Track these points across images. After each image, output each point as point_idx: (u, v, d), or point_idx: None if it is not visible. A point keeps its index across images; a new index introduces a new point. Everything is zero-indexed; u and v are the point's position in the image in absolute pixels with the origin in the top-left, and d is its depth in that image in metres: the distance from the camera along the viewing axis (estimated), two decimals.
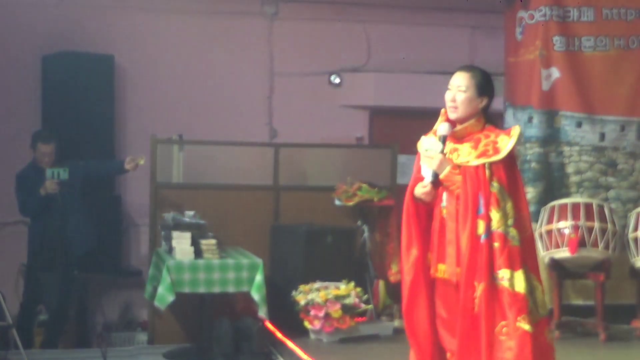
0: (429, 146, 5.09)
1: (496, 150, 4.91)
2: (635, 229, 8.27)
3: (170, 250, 8.22)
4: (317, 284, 8.37)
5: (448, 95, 5.06)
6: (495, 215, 4.82)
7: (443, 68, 10.63)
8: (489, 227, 4.82)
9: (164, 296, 7.87)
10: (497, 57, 9.66)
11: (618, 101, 9.02)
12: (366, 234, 8.99)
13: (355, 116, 10.86)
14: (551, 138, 8.95)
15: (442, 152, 4.99)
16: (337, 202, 9.04)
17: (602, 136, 8.96)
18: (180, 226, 8.29)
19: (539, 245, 8.44)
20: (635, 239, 8.24)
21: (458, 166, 4.95)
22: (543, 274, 8.42)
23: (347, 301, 8.26)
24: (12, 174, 8.66)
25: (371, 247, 9.01)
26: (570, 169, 8.95)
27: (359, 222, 9.06)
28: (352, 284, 8.45)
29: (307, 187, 9.52)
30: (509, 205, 4.86)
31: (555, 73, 8.98)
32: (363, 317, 8.45)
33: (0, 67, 9.71)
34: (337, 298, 8.23)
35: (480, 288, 4.81)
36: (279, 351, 8.11)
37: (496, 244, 4.81)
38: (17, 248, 9.00)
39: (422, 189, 5.02)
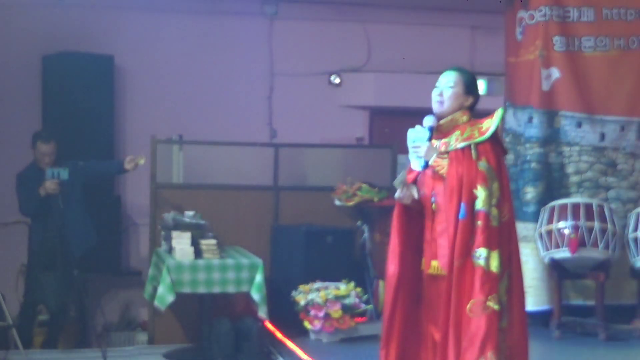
0: (415, 137, 5.16)
1: (482, 133, 5.01)
2: (635, 229, 8.27)
3: (170, 250, 8.22)
4: (317, 284, 8.37)
5: (435, 92, 5.20)
6: (481, 193, 4.87)
7: (443, 68, 10.53)
8: (471, 206, 4.87)
9: (164, 296, 7.86)
10: (497, 57, 9.66)
11: (618, 101, 9.01)
12: (366, 234, 9.00)
13: (355, 116, 10.87)
14: (551, 138, 8.95)
15: (428, 139, 5.08)
16: (337, 202, 9.04)
17: (602, 136, 8.96)
18: (180, 226, 8.29)
19: (538, 245, 8.45)
20: (635, 239, 8.25)
21: (446, 152, 5.04)
22: (543, 273, 8.52)
23: (347, 301, 8.26)
24: (12, 174, 8.65)
25: (371, 247, 9.01)
26: (570, 169, 8.94)
27: (359, 222, 9.06)
28: (352, 284, 8.46)
29: (307, 187, 9.51)
30: (495, 185, 4.91)
31: (555, 73, 8.98)
32: (363, 317, 8.45)
33: (1, 68, 9.72)
34: (337, 298, 8.23)
35: (455, 265, 4.86)
36: (279, 351, 8.11)
37: (479, 222, 4.86)
38: (17, 248, 9.01)
39: (398, 194, 5.12)
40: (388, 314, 5.24)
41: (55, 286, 8.46)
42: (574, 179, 8.93)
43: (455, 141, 5.04)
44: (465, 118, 5.13)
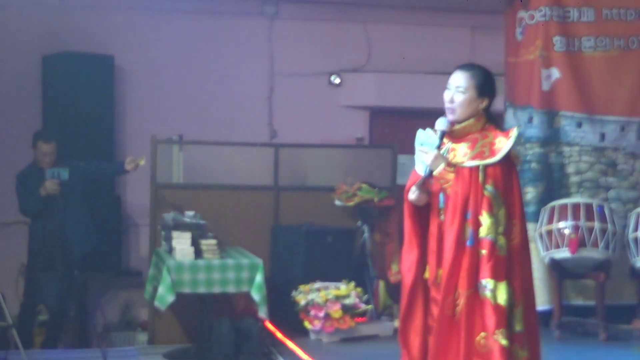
0: (425, 140, 4.91)
1: (492, 153, 4.72)
2: (636, 229, 8.28)
3: (170, 250, 8.22)
4: (317, 284, 8.38)
5: (447, 95, 4.88)
6: (486, 221, 4.64)
7: (443, 68, 10.57)
8: (477, 233, 4.65)
9: (164, 296, 7.86)
10: (497, 57, 9.65)
11: (618, 101, 9.02)
12: (366, 234, 9.00)
13: (356, 116, 10.87)
14: (551, 138, 8.95)
15: (438, 147, 4.82)
16: (337, 203, 9.04)
17: (602, 136, 8.97)
18: (181, 226, 8.29)
19: (538, 245, 8.45)
20: (636, 239, 8.25)
21: (453, 165, 4.79)
22: (543, 273, 8.52)
23: (347, 301, 8.26)
24: (12, 174, 8.65)
25: (371, 247, 9.02)
26: (570, 169, 8.95)
27: (359, 223, 9.06)
28: (352, 284, 8.46)
29: (307, 188, 9.51)
30: (501, 212, 4.67)
31: (556, 73, 8.98)
32: (363, 317, 8.45)
33: (1, 68, 9.72)
34: (337, 298, 8.23)
35: (464, 295, 4.66)
36: (279, 351, 8.11)
37: (483, 252, 4.64)
38: (18, 248, 9.01)
39: (412, 195, 4.88)
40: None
41: (55, 286, 8.46)
42: (574, 179, 8.94)
43: (464, 156, 4.78)
44: (479, 125, 4.82)
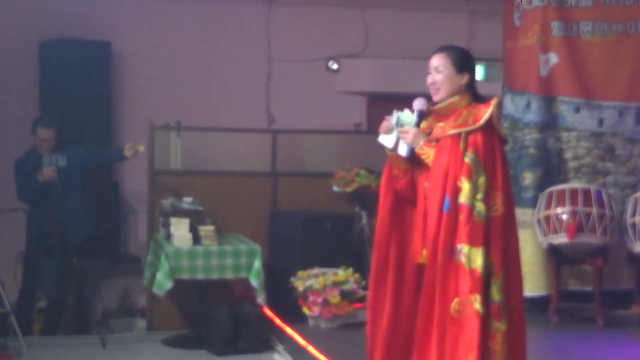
0: (404, 120, 4.95)
1: (475, 121, 4.75)
2: (633, 215, 8.27)
3: (168, 236, 8.23)
4: (315, 270, 8.38)
5: (428, 79, 4.95)
6: (465, 186, 4.63)
7: None
8: (456, 199, 4.64)
9: (163, 283, 7.88)
10: (495, 42, 9.64)
11: (616, 86, 9.00)
12: (364, 220, 8.99)
13: (353, 102, 10.86)
14: (549, 124, 8.94)
15: (416, 125, 4.89)
16: (335, 188, 9.04)
17: (600, 122, 8.96)
18: (179, 213, 8.30)
19: (536, 231, 8.45)
20: (633, 225, 8.25)
21: (435, 139, 4.82)
22: (541, 259, 8.52)
23: (346, 287, 8.27)
24: (10, 161, 8.64)
25: (369, 233, 9.00)
26: (568, 154, 8.94)
27: (357, 208, 9.06)
28: (351, 270, 8.47)
29: (305, 173, 9.52)
30: (481, 179, 4.66)
31: (554, 58, 8.96)
32: (361, 303, 8.45)
33: None
34: (336, 284, 8.24)
35: (440, 261, 4.63)
36: (278, 337, 8.13)
37: (460, 217, 4.62)
38: (16, 235, 9.00)
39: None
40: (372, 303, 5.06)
41: (53, 273, 8.46)
42: (572, 164, 8.93)
43: (448, 128, 4.80)
44: (464, 102, 4.86)
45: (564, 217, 8.22)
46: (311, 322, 8.30)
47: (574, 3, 8.99)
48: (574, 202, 8.24)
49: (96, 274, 9.68)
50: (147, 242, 8.98)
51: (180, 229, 8.15)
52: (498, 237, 4.69)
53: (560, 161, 8.95)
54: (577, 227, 8.14)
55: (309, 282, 8.26)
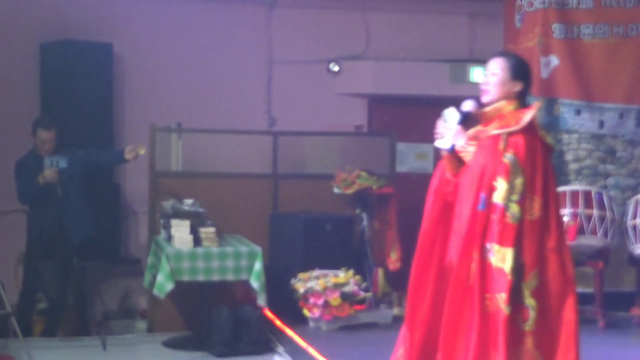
0: (449, 118, 5.03)
1: (517, 123, 4.81)
2: (634, 217, 8.27)
3: (169, 238, 8.23)
4: (316, 272, 8.38)
5: (482, 81, 5.02)
6: (501, 186, 4.68)
7: (442, 56, 10.65)
8: (491, 198, 4.69)
9: (163, 284, 7.88)
10: (496, 44, 9.62)
11: (617, 89, 9.01)
12: (365, 222, 8.99)
13: (354, 104, 10.85)
14: (550, 126, 8.94)
15: (459, 123, 4.96)
16: (336, 190, 9.03)
17: (601, 124, 8.96)
18: (179, 214, 8.30)
19: None
20: (634, 227, 8.25)
21: (476, 138, 4.89)
22: None
23: (346, 289, 8.27)
24: (11, 162, 8.64)
25: (370, 235, 9.01)
26: (569, 156, 8.95)
27: (358, 210, 9.05)
28: (351, 271, 8.47)
29: (306, 175, 9.52)
30: (518, 181, 4.70)
31: (554, 60, 8.97)
32: (362, 305, 8.46)
33: None
34: (336, 286, 8.24)
35: (476, 259, 4.70)
36: (278, 339, 8.13)
37: (493, 216, 4.68)
38: (17, 236, 8.99)
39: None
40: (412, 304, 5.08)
41: (54, 274, 8.46)
42: (573, 166, 8.94)
43: (490, 128, 4.87)
44: (511, 107, 4.91)
45: (565, 219, 8.21)
46: (312, 324, 8.30)
47: (575, 5, 9.00)
48: (574, 204, 8.24)
49: (97, 275, 9.67)
50: (147, 243, 8.98)
51: (181, 230, 8.15)
52: (532, 240, 4.73)
53: (561, 163, 8.95)
54: (578, 229, 8.14)
55: (309, 284, 8.26)
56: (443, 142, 5.02)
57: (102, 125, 9.64)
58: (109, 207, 9.60)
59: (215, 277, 8.08)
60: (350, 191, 8.95)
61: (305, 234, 8.72)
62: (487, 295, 4.67)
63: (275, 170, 9.40)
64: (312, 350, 7.33)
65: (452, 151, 4.95)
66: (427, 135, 11.04)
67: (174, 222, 8.21)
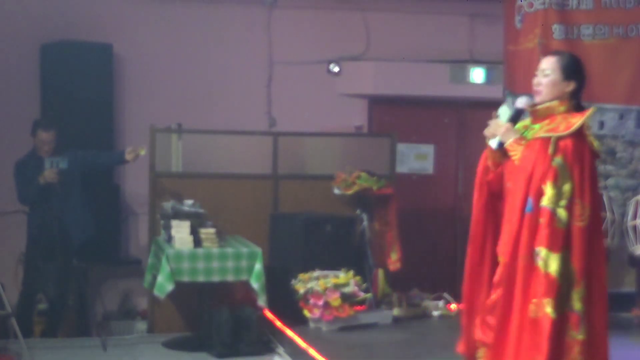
0: (502, 114, 5.04)
1: (567, 127, 4.81)
2: (634, 217, 8.28)
3: (169, 239, 8.23)
4: (316, 273, 8.38)
5: (534, 80, 5.01)
6: (549, 190, 4.68)
7: (442, 56, 10.65)
8: (538, 202, 4.70)
9: (163, 285, 7.88)
10: (497, 45, 9.64)
11: (617, 89, 9.00)
12: (365, 223, 8.99)
13: (354, 105, 10.85)
14: None
15: (510, 120, 4.96)
16: (336, 191, 9.03)
17: (601, 124, 8.95)
18: (180, 215, 8.30)
19: None
20: (634, 227, 8.25)
21: (525, 138, 4.89)
22: None
23: (347, 290, 8.27)
24: (11, 163, 8.65)
25: (370, 236, 9.01)
26: None
27: (358, 211, 9.05)
28: (352, 272, 8.47)
29: (306, 176, 9.52)
30: (567, 186, 4.71)
31: None
32: (362, 305, 8.46)
33: None
34: (337, 287, 8.24)
35: (521, 262, 4.71)
36: (279, 340, 8.12)
37: (541, 220, 4.68)
38: (17, 237, 9.00)
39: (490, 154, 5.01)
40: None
41: (54, 275, 8.47)
42: None
43: (540, 130, 4.86)
44: (562, 108, 4.92)
45: None
46: (312, 325, 8.30)
47: (575, 6, 8.99)
48: None
49: (97, 276, 9.67)
50: (148, 244, 8.98)
51: (181, 231, 8.15)
52: (582, 246, 4.72)
53: None
54: None
55: (309, 285, 8.26)
56: (492, 140, 5.03)
57: (102, 126, 9.64)
58: (109, 208, 9.61)
59: (216, 278, 8.08)
60: (350, 192, 8.95)
61: (306, 234, 8.72)
62: (534, 300, 4.67)
63: (275, 171, 9.40)
64: (312, 351, 7.32)
65: (500, 147, 4.95)
66: (428, 135, 11.11)
67: (174, 222, 8.22)
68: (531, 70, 8.88)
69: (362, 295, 8.39)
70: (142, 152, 8.61)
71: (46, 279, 8.51)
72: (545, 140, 4.79)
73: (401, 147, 10.23)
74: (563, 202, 4.69)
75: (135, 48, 10.07)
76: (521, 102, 5.03)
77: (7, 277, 9.08)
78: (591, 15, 9.00)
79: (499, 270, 4.90)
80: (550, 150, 4.75)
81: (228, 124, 9.67)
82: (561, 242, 4.67)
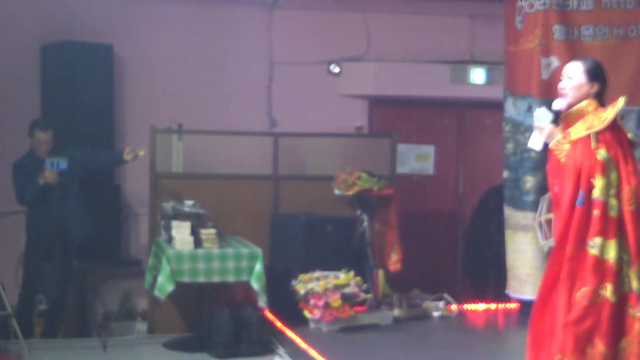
0: (540, 118, 5.31)
1: (601, 122, 5.15)
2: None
3: (169, 239, 8.23)
4: (316, 273, 8.38)
5: (560, 84, 5.33)
6: (599, 183, 4.98)
7: (442, 57, 10.66)
8: (589, 195, 4.98)
9: (164, 286, 7.87)
10: (497, 46, 9.63)
11: (617, 90, 8.94)
12: (365, 223, 8.99)
13: (355, 105, 10.85)
14: None
15: (552, 122, 5.23)
16: (336, 192, 9.03)
17: None
18: (180, 215, 8.30)
19: (537, 234, 8.45)
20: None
21: (568, 137, 5.16)
22: (542, 263, 8.50)
23: (347, 290, 8.27)
24: (10, 163, 8.65)
25: (371, 237, 9.01)
26: None
27: (359, 212, 9.05)
28: (352, 273, 8.46)
29: (307, 177, 9.53)
30: (613, 175, 5.02)
31: (555, 62, 8.95)
32: (363, 306, 8.46)
33: None
34: (337, 287, 8.24)
35: (570, 252, 4.97)
36: (279, 340, 8.12)
37: (595, 212, 4.97)
38: (17, 238, 9.01)
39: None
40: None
41: (54, 276, 8.47)
42: None
43: (577, 130, 5.15)
44: (591, 107, 5.25)
45: None
46: (312, 325, 8.30)
47: (575, 7, 8.98)
48: None
49: (97, 276, 9.67)
50: (148, 245, 8.98)
51: (181, 232, 8.15)
52: (634, 229, 5.02)
53: None
54: None
55: (310, 285, 8.26)
56: (535, 142, 5.33)
57: (102, 126, 9.65)
58: (109, 209, 9.61)
59: (216, 279, 8.08)
60: (350, 192, 8.95)
61: (306, 235, 8.72)
62: (586, 287, 4.92)
63: (275, 172, 9.40)
64: (312, 352, 7.33)
65: (545, 149, 5.26)
66: (428, 136, 11.12)
67: (175, 223, 8.22)
68: (532, 71, 8.98)
69: (362, 296, 8.38)
70: (141, 153, 8.61)
71: (46, 280, 8.52)
72: (586, 138, 5.10)
73: (401, 147, 10.24)
74: (612, 191, 5.02)
75: (136, 48, 10.07)
76: (558, 103, 5.30)
77: (7, 277, 9.08)
78: (591, 16, 8.99)
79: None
80: (592, 145, 5.07)
81: (228, 125, 9.68)
82: (615, 229, 4.98)
